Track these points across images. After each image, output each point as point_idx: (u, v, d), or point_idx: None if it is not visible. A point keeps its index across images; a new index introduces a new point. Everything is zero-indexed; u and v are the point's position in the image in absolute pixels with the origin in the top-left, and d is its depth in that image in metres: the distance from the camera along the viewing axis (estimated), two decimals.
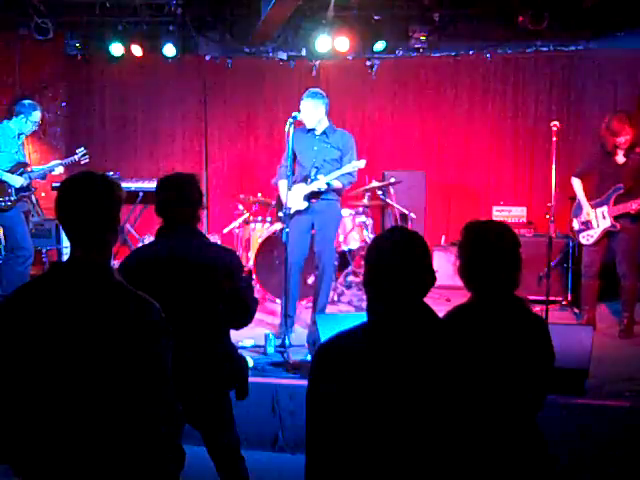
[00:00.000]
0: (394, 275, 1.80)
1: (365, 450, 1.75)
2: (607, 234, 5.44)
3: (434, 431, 1.74)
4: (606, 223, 5.40)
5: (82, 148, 6.34)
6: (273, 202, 6.53)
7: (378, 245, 1.92)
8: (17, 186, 5.75)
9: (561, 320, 5.77)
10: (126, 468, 1.85)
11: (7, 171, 5.70)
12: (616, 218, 5.35)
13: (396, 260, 1.81)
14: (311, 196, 5.24)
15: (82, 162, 6.25)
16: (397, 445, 1.73)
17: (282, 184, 5.32)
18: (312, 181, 5.21)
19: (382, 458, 1.74)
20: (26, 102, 5.86)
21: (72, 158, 6.27)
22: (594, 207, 5.48)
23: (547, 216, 5.55)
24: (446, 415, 1.74)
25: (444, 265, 6.97)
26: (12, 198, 5.72)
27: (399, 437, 1.73)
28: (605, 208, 5.40)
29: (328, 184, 5.18)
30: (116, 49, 7.23)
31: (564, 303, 6.34)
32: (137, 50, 7.29)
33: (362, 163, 5.21)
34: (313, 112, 5.19)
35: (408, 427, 1.73)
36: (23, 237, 5.84)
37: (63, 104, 7.80)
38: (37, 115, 5.85)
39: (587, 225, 5.51)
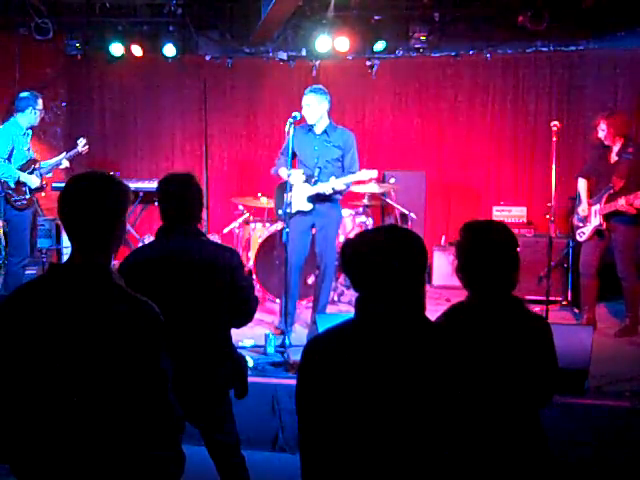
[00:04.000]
0: (382, 273, 1.79)
1: (356, 447, 1.75)
2: (598, 233, 5.46)
3: (424, 428, 1.73)
4: (596, 221, 5.43)
5: (81, 138, 6.28)
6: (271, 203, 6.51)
7: (368, 243, 1.91)
8: (33, 187, 5.73)
9: (561, 320, 5.77)
10: (124, 472, 1.85)
11: (20, 169, 5.68)
12: (607, 217, 5.36)
13: (381, 258, 1.79)
14: (315, 198, 5.23)
15: (83, 152, 6.22)
16: (388, 442, 1.73)
17: (283, 171, 5.27)
18: (316, 182, 5.19)
19: (374, 455, 1.73)
20: (27, 94, 5.79)
21: (75, 150, 6.21)
22: (591, 205, 5.51)
23: (547, 216, 5.56)
24: (436, 413, 1.74)
25: (444, 265, 6.99)
26: (27, 197, 5.71)
27: (390, 434, 1.72)
28: (597, 207, 5.43)
29: (333, 189, 5.16)
30: (116, 49, 7.24)
31: (564, 303, 6.34)
32: (137, 50, 7.29)
33: (374, 173, 5.19)
34: (316, 107, 5.13)
35: (397, 424, 1.72)
36: (25, 240, 5.82)
37: (63, 104, 7.80)
38: (41, 102, 5.80)
39: (583, 222, 5.55)
